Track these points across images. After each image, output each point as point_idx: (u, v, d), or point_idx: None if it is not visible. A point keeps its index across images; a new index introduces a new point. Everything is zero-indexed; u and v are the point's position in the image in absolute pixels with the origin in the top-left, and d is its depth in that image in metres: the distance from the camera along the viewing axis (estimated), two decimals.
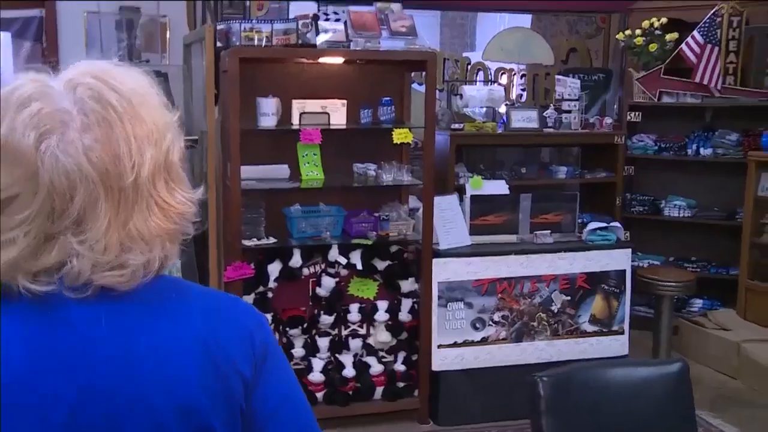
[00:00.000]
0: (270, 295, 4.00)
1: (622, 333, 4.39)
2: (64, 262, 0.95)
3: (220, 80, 4.03)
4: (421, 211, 4.24)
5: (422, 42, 3.99)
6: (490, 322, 4.20)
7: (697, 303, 5.68)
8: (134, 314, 1.01)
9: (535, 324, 4.26)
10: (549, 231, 4.38)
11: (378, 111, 4.08)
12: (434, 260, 4.10)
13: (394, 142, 4.04)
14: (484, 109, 5.74)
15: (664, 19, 5.85)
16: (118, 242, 0.97)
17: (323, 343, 4.12)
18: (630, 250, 4.39)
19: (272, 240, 3.98)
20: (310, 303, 4.12)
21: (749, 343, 5.01)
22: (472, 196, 4.34)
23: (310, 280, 4.10)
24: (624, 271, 4.36)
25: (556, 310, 4.28)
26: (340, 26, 3.91)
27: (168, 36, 5.08)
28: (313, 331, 4.12)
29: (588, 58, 6.46)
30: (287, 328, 4.04)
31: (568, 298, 4.28)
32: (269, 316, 3.94)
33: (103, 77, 0.99)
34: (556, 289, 4.26)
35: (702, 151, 5.79)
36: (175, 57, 4.96)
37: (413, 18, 4.12)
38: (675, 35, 5.80)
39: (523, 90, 6.27)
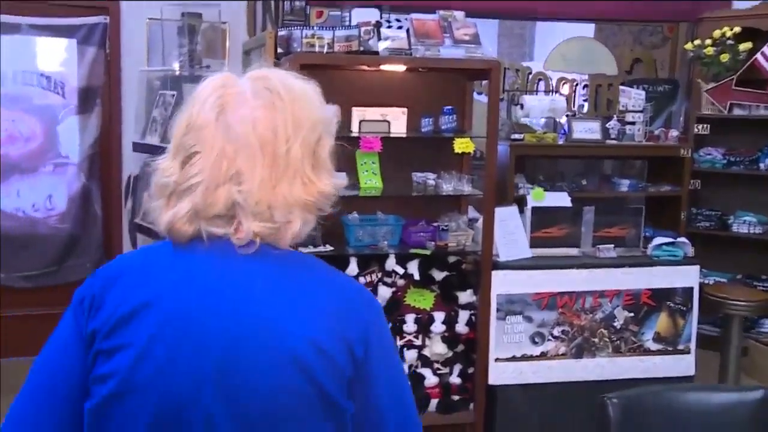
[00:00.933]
0: None
1: (689, 352, 4.25)
2: (232, 215, 1.22)
3: None
4: (480, 221, 4.18)
5: (485, 50, 3.92)
6: (550, 337, 4.11)
7: (749, 315, 5.47)
8: (279, 274, 1.25)
9: (597, 340, 4.15)
10: (612, 245, 4.26)
11: (439, 120, 4.02)
12: (493, 272, 4.03)
13: (455, 151, 3.99)
14: (543, 119, 5.67)
15: (737, 29, 5.68)
16: (267, 200, 1.22)
17: None
18: (698, 266, 4.25)
19: (329, 248, 3.96)
20: None
21: None
22: (533, 207, 4.26)
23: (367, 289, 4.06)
24: (691, 288, 4.22)
25: (618, 327, 4.16)
26: (402, 33, 3.88)
27: (227, 42, 5.12)
28: None
29: (653, 68, 6.32)
30: None
31: (632, 314, 4.16)
32: None
33: (276, 75, 1.30)
34: (619, 305, 4.15)
35: None
36: (234, 63, 4.99)
37: (476, 26, 4.06)
38: (749, 45, 5.63)
39: (585, 100, 6.16)
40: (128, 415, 1.19)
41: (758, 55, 5.55)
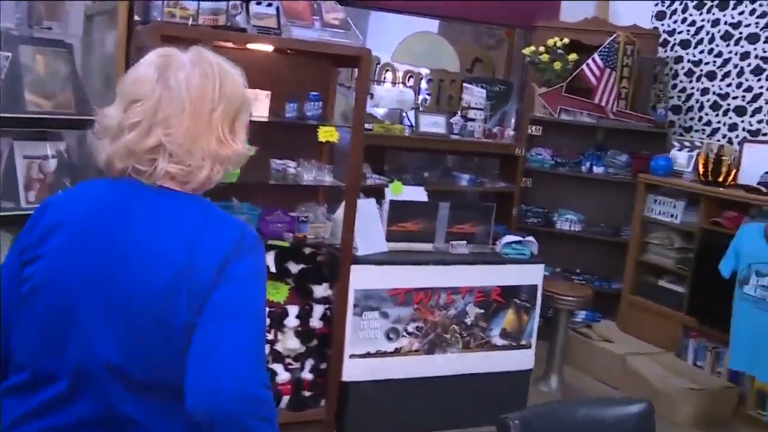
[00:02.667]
0: None
1: (530, 347, 4.13)
2: (155, 157, 1.42)
3: (132, 58, 3.42)
4: (337, 213, 3.80)
5: (356, 37, 3.53)
6: (404, 333, 3.82)
7: (581, 314, 5.53)
8: (171, 207, 1.44)
9: (448, 336, 3.91)
10: (465, 241, 4.03)
11: (304, 106, 3.59)
12: (352, 267, 3.66)
13: (320, 140, 3.57)
14: (386, 110, 5.38)
15: (566, 40, 5.67)
16: (188, 146, 1.42)
17: None
18: (542, 265, 4.12)
19: None
20: None
21: (632, 356, 4.89)
22: (391, 201, 3.93)
23: None
24: (536, 286, 4.09)
25: (469, 323, 3.95)
26: (272, 11, 3.39)
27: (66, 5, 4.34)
28: None
29: (491, 68, 6.20)
30: None
31: (482, 311, 3.97)
32: None
33: (212, 55, 1.53)
34: (471, 302, 3.93)
35: (595, 168, 5.66)
36: (74, 28, 4.24)
37: (344, 10, 3.65)
38: (575, 56, 5.63)
39: (428, 94, 5.92)
40: (31, 312, 1.42)
41: (584, 66, 5.55)
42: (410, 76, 5.81)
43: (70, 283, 1.39)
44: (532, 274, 4.08)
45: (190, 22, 3.16)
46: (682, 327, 4.96)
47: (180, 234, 1.38)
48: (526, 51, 5.71)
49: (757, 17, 5.30)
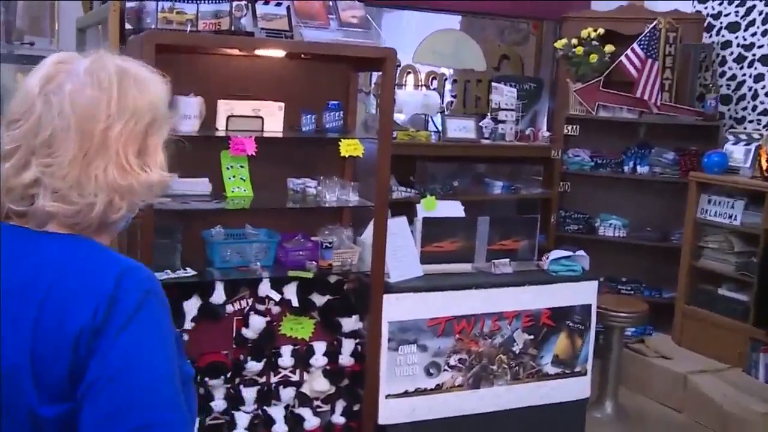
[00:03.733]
0: (186, 337, 3.04)
1: (585, 374, 3.69)
2: (33, 193, 1.14)
3: None
4: (364, 235, 3.39)
5: (377, 35, 3.12)
6: (446, 367, 3.40)
7: (630, 327, 5.08)
8: (40, 259, 1.14)
9: (495, 367, 3.49)
10: (508, 259, 3.61)
11: (323, 117, 3.19)
12: (384, 296, 3.25)
13: (342, 154, 3.16)
14: (409, 116, 4.97)
15: (600, 30, 5.24)
16: (77, 176, 1.13)
17: (249, 393, 3.19)
18: (596, 282, 3.68)
19: (189, 272, 3.02)
20: (234, 346, 3.18)
21: (695, 375, 4.43)
22: (424, 218, 3.51)
23: (235, 318, 3.16)
24: (589, 305, 3.65)
25: (517, 351, 3.52)
26: (282, 11, 2.99)
27: (57, 18, 3.97)
28: (237, 380, 3.18)
29: (520, 65, 5.77)
30: (206, 378, 3.08)
31: (531, 336, 3.54)
32: None
33: (115, 58, 1.22)
34: (518, 328, 3.51)
35: (639, 168, 5.21)
36: (66, 43, 3.87)
37: (364, 7, 3.25)
38: (612, 47, 5.19)
39: (453, 97, 5.50)
40: None
41: (623, 58, 5.12)
42: (433, 78, 5.40)
43: None
44: (585, 293, 3.64)
45: (188, 28, 2.76)
46: (749, 340, 4.50)
47: (30, 295, 1.10)
48: (559, 44, 5.29)
49: None
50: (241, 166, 3.25)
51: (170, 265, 2.99)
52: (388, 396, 3.32)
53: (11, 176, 1.14)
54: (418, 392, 3.36)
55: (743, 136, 4.81)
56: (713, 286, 4.85)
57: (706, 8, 5.49)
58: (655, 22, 5.09)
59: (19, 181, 1.14)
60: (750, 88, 5.21)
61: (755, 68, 5.18)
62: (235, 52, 3.04)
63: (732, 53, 5.32)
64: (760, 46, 5.14)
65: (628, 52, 5.11)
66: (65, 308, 1.08)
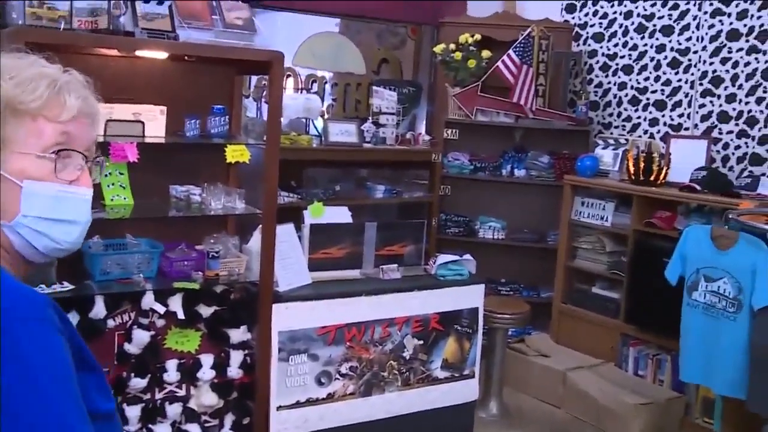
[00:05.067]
0: None
1: (473, 377, 3.79)
2: None
3: None
4: (251, 243, 3.33)
5: (262, 38, 3.07)
6: (338, 376, 3.39)
7: (513, 328, 5.25)
8: None
9: (386, 374, 3.52)
10: (396, 265, 3.65)
11: (207, 122, 3.10)
12: (274, 306, 3.20)
13: (228, 160, 3.09)
14: (286, 120, 4.93)
15: (478, 36, 5.39)
16: None
17: (133, 412, 3.06)
18: (483, 285, 3.78)
19: (67, 286, 2.87)
20: (116, 363, 3.04)
21: (572, 371, 4.64)
22: (311, 225, 3.49)
23: (117, 333, 3.03)
24: (476, 309, 3.75)
25: (408, 357, 3.56)
26: (164, 11, 2.89)
27: None
28: (120, 398, 3.04)
29: (399, 69, 5.85)
30: None
31: (421, 342, 3.59)
32: None
33: None
34: (408, 333, 3.55)
35: (516, 171, 5.40)
36: None
37: (250, 9, 3.19)
38: (489, 53, 5.36)
39: (334, 100, 5.50)
40: None
41: (499, 63, 5.30)
42: (313, 81, 5.38)
43: None
44: (473, 297, 3.74)
45: (62, 25, 2.61)
46: (619, 335, 4.76)
47: None
48: (437, 49, 5.40)
49: (670, 9, 5.18)
50: (121, 173, 3.11)
51: (45, 280, 2.83)
52: (279, 407, 3.28)
53: None
54: (310, 402, 3.34)
55: (611, 141, 5.10)
56: (587, 285, 5.10)
57: (573, 18, 5.77)
58: (528, 30, 5.30)
59: None
60: (615, 96, 5.52)
61: (618, 77, 5.50)
62: (114, 52, 2.91)
63: (598, 62, 5.62)
64: (622, 56, 5.46)
65: (504, 57, 5.29)
66: None
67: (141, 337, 3.03)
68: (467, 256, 3.80)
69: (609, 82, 5.57)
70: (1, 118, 1.10)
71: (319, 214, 3.56)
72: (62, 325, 1.09)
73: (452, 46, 5.37)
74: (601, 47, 5.60)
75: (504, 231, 5.46)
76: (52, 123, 1.15)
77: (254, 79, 4.99)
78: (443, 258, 3.75)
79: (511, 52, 5.27)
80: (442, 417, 3.69)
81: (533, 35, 5.33)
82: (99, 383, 1.16)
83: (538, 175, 5.36)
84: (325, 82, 5.44)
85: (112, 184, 3.09)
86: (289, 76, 5.24)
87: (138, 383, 3.05)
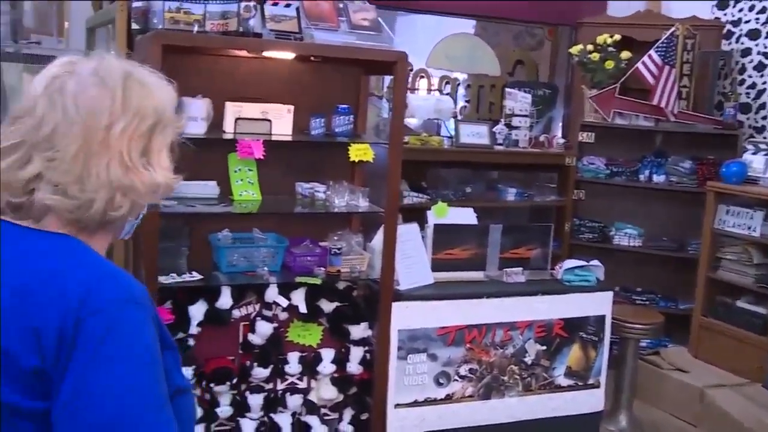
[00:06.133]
0: (191, 342, 3.00)
1: (598, 386, 3.63)
2: (33, 188, 1.14)
3: None
4: (374, 242, 3.35)
5: (389, 39, 3.08)
6: (456, 377, 3.34)
7: (646, 339, 5.00)
8: (18, 256, 1.13)
9: (506, 378, 3.43)
10: (521, 268, 3.55)
11: (332, 120, 3.15)
12: (394, 304, 3.20)
13: (351, 159, 3.12)
14: (419, 121, 4.94)
15: (617, 36, 5.17)
16: (78, 172, 1.13)
17: (255, 400, 3.15)
18: (611, 293, 3.62)
19: (196, 276, 2.99)
20: (241, 352, 3.14)
21: (712, 388, 4.35)
22: (435, 225, 3.47)
23: (242, 324, 3.13)
24: (604, 317, 3.59)
25: (529, 362, 3.46)
26: (292, 13, 2.95)
27: (66, 18, 3.96)
28: (244, 386, 3.14)
29: (535, 71, 5.72)
30: (211, 384, 3.04)
31: (544, 347, 3.48)
32: (189, 370, 2.94)
33: (123, 61, 1.24)
34: (530, 338, 3.45)
35: (655, 177, 5.14)
36: (76, 43, 3.86)
37: (375, 10, 3.21)
38: (628, 54, 5.13)
39: (467, 102, 5.46)
40: None
41: (639, 64, 5.06)
42: (446, 83, 5.36)
43: None
44: (600, 304, 3.58)
45: (195, 28, 2.73)
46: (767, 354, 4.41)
47: (2, 289, 1.09)
48: (574, 50, 5.23)
49: None
50: (249, 170, 3.22)
51: (176, 269, 2.96)
52: (397, 405, 3.27)
53: (13, 171, 1.14)
54: (428, 402, 3.31)
55: (763, 146, 4.73)
56: (731, 298, 4.76)
57: (725, 15, 5.42)
58: (672, 29, 5.03)
59: (21, 175, 1.14)
60: None
61: None
62: (244, 53, 3.01)
63: (752, 61, 5.25)
64: None
65: (645, 58, 5.05)
66: (34, 307, 1.07)
67: (264, 329, 3.11)
68: (595, 262, 3.64)
69: (764, 83, 5.18)
70: (162, 129, 1.24)
71: (443, 214, 3.53)
72: (151, 307, 1.15)
73: (590, 47, 5.18)
74: (757, 45, 5.22)
75: (641, 238, 5.21)
76: None
77: (387, 80, 5.02)
78: (570, 263, 3.62)
79: (652, 52, 5.02)
80: (565, 426, 3.56)
81: (677, 34, 5.05)
82: (177, 360, 1.22)
83: (679, 181, 5.07)
84: (458, 84, 5.40)
85: (241, 180, 3.19)
86: (422, 77, 5.25)
87: (261, 373, 3.13)
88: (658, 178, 5.14)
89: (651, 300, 5.18)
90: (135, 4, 2.88)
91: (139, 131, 1.18)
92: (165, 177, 1.22)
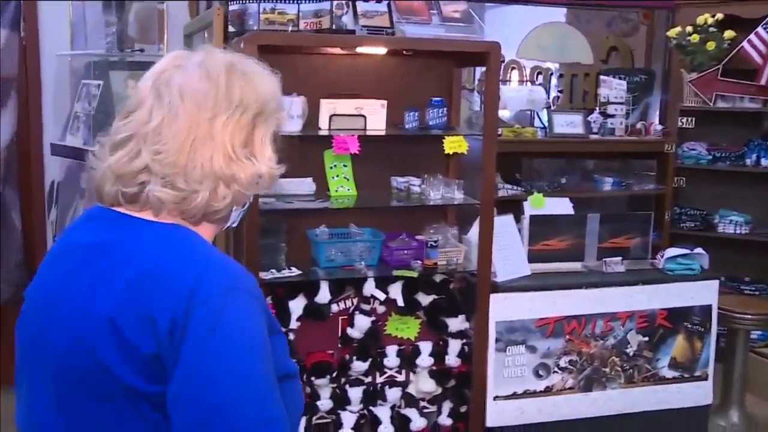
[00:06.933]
0: (291, 337, 3.06)
1: (706, 379, 3.50)
2: (145, 181, 1.17)
3: None
4: (470, 234, 3.33)
5: (481, 29, 3.05)
6: (556, 369, 3.29)
7: (756, 330, 4.78)
8: (130, 244, 1.17)
9: (607, 370, 3.35)
10: (620, 258, 3.46)
11: (426, 114, 3.14)
12: (491, 296, 3.17)
13: (446, 152, 3.11)
14: (514, 112, 4.87)
15: (719, 15, 4.95)
16: (183, 163, 1.16)
17: (355, 393, 3.19)
18: (717, 281, 3.48)
19: (295, 271, 3.05)
20: (340, 346, 3.18)
21: None
22: (531, 216, 3.42)
23: (341, 318, 3.17)
24: (710, 306, 3.46)
25: (631, 353, 3.37)
26: (383, 8, 2.97)
27: (165, 24, 4.10)
28: (343, 380, 3.19)
29: (630, 57, 5.55)
30: (312, 377, 3.10)
31: (646, 338, 3.38)
32: None
33: (227, 53, 1.26)
34: (632, 329, 3.36)
35: (763, 161, 4.90)
36: (174, 49, 3.98)
37: (467, 2, 3.18)
38: (732, 33, 4.90)
39: (560, 91, 5.35)
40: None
41: (745, 43, 4.84)
42: (539, 73, 5.26)
43: (22, 336, 1.24)
44: (705, 293, 3.45)
45: (290, 28, 2.78)
46: None
47: (116, 277, 1.13)
48: (672, 33, 5.04)
49: None
50: (345, 165, 3.25)
51: (275, 265, 3.03)
52: (496, 398, 3.25)
53: (124, 164, 1.18)
54: (527, 394, 3.27)
55: None
56: None
57: None
58: None
59: (131, 167, 1.17)
60: None
61: None
62: (337, 50, 3.05)
63: None
64: None
65: (752, 36, 4.82)
66: (148, 295, 1.10)
67: (363, 323, 3.14)
68: (699, 250, 3.51)
69: None
70: (265, 120, 1.27)
71: (540, 205, 3.48)
72: (260, 295, 1.17)
73: (689, 28, 4.99)
74: None
75: (748, 225, 4.98)
76: None
77: (478, 72, 4.97)
78: (672, 251, 3.50)
79: (760, 29, 4.79)
80: (671, 420, 3.45)
81: None
82: (285, 346, 1.26)
83: None
84: (551, 74, 5.30)
85: (337, 176, 3.23)
86: (513, 68, 5.17)
87: (360, 366, 3.16)
88: (766, 162, 4.90)
89: (761, 290, 4.96)
90: (231, 7, 2.96)
91: (242, 122, 1.20)
92: (268, 167, 1.24)
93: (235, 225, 1.32)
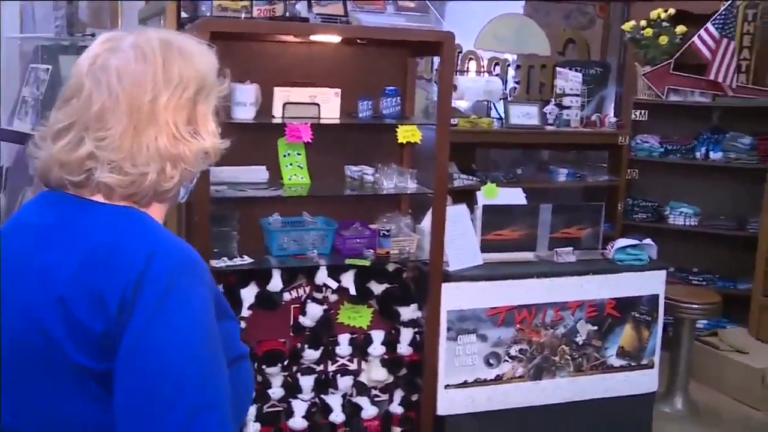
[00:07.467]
0: (243, 325, 3.04)
1: (652, 367, 3.57)
2: (90, 167, 1.15)
3: None
4: (423, 223, 3.34)
5: (437, 19, 3.05)
6: (506, 358, 3.32)
7: (702, 320, 4.89)
8: (80, 225, 1.16)
9: (557, 358, 3.40)
10: (571, 248, 3.50)
11: (380, 103, 3.14)
12: (443, 285, 3.19)
13: (400, 141, 3.12)
14: (469, 103, 4.90)
15: (671, 10, 5.03)
16: (128, 148, 1.15)
17: (307, 381, 3.18)
18: (665, 272, 3.55)
19: (247, 259, 3.03)
20: (292, 334, 3.18)
21: None
22: (484, 206, 3.44)
23: (293, 306, 3.16)
24: (657, 296, 3.52)
25: (580, 342, 3.42)
26: None
27: (120, 11, 4.03)
28: (295, 368, 3.18)
29: (586, 50, 5.61)
30: (263, 365, 3.09)
31: (595, 327, 3.43)
32: None
33: (161, 31, 1.24)
34: (582, 318, 3.41)
35: (712, 154, 5.00)
36: None
37: None
38: (683, 28, 4.99)
39: (517, 83, 5.39)
40: None
41: (695, 39, 4.92)
42: (496, 64, 5.29)
43: None
44: (652, 283, 3.51)
45: (243, 15, 2.75)
46: None
47: (68, 258, 1.13)
48: (626, 26, 5.11)
49: None
50: (298, 154, 3.24)
51: (227, 253, 3.01)
52: (447, 386, 3.27)
53: (67, 152, 1.16)
54: (478, 383, 3.30)
55: None
56: None
57: None
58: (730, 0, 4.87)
59: (75, 156, 1.15)
60: None
61: None
62: (291, 38, 3.02)
63: None
64: None
65: (701, 32, 4.91)
66: (99, 275, 1.10)
67: (315, 311, 3.13)
68: (648, 241, 3.57)
69: None
70: (206, 95, 1.25)
71: (493, 195, 3.50)
72: (208, 276, 1.18)
73: (643, 22, 5.06)
74: None
75: (697, 217, 5.09)
76: None
77: (436, 62, 4.98)
78: (622, 242, 3.55)
79: (709, 25, 4.88)
80: (618, 407, 3.51)
81: (737, 5, 4.89)
82: (236, 329, 1.27)
83: (737, 157, 4.93)
84: (508, 65, 5.33)
85: (290, 164, 3.22)
86: (471, 59, 5.19)
87: (311, 355, 3.16)
88: (715, 155, 5.00)
89: (708, 280, 5.07)
90: None
91: (182, 101, 1.19)
92: (212, 142, 1.23)
93: (184, 200, 1.32)
